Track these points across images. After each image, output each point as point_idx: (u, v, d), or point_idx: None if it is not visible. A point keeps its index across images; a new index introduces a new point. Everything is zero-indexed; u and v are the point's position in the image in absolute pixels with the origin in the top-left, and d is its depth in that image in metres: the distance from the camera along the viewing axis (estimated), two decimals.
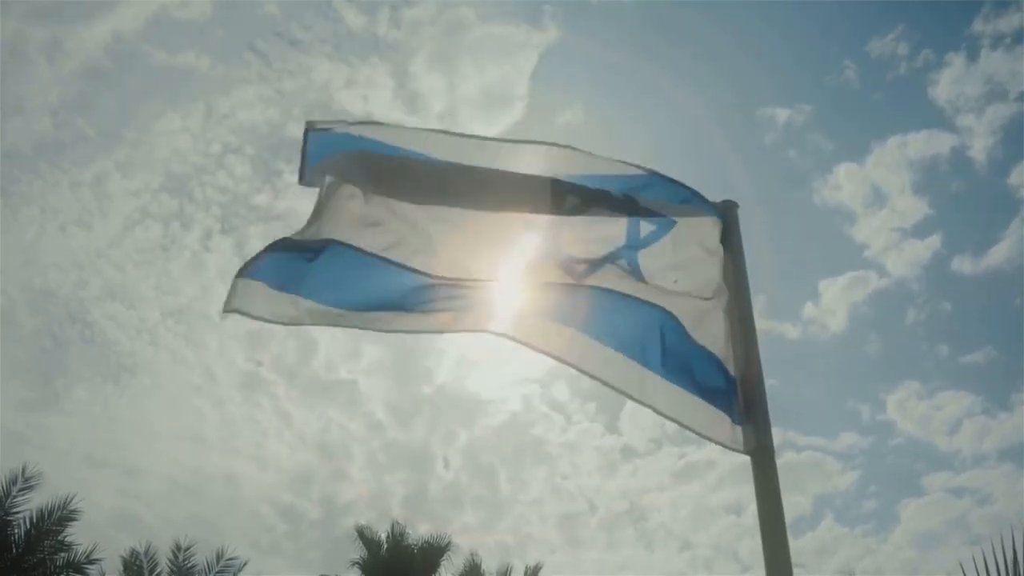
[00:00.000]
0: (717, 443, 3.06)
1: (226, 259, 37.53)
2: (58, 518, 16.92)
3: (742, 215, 3.43)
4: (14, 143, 34.34)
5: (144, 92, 40.16)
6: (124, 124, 39.81)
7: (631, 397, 3.14)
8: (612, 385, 3.15)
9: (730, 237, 3.34)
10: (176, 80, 37.57)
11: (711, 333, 3.22)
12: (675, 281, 3.29)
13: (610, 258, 3.32)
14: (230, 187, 37.98)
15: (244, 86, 37.72)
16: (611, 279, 3.28)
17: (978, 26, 34.38)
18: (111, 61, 36.12)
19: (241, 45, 40.77)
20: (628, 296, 3.24)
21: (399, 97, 37.41)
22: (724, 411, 3.10)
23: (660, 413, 3.11)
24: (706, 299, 3.27)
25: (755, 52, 37.49)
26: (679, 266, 3.33)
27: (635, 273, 3.31)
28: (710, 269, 3.30)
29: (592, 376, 3.15)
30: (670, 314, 3.22)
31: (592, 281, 3.28)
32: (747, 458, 3.01)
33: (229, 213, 39.49)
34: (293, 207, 38.53)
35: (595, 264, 3.30)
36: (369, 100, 37.04)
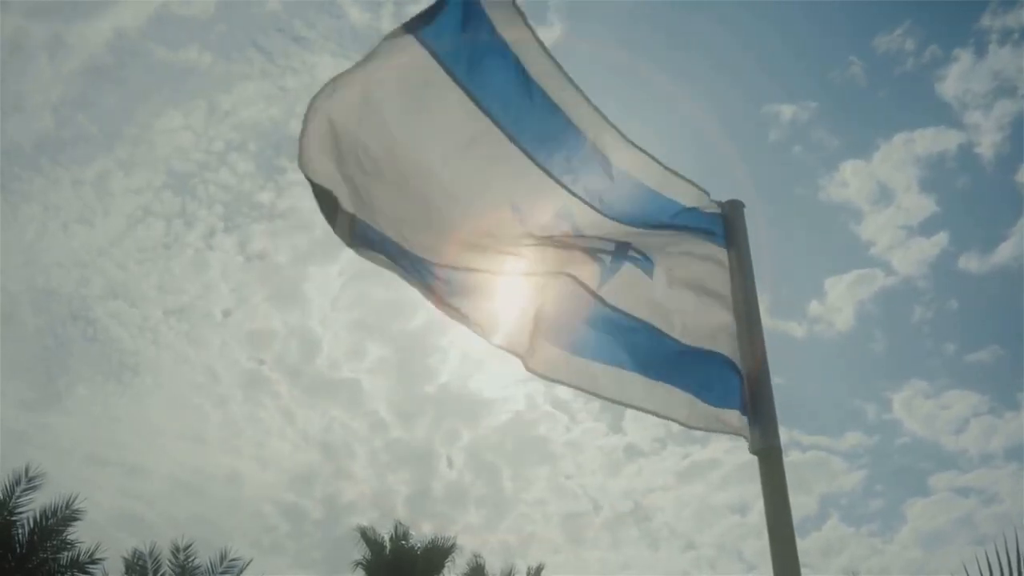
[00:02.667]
0: (728, 433, 3.08)
1: (229, 257, 37.63)
2: (61, 518, 16.95)
3: (747, 212, 3.42)
4: (15, 141, 34.51)
5: (146, 89, 40.37)
6: (126, 121, 40.05)
7: (632, 406, 3.18)
8: (615, 399, 3.18)
9: (736, 237, 3.32)
10: (178, 77, 37.74)
11: (711, 333, 3.23)
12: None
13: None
14: (233, 185, 38.12)
15: (247, 83, 37.89)
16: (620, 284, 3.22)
17: (986, 21, 34.44)
18: (113, 58, 36.29)
19: (244, 42, 40.94)
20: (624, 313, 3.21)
21: None
22: (735, 408, 3.10)
23: (665, 417, 3.15)
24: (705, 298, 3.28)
25: (760, 49, 37.65)
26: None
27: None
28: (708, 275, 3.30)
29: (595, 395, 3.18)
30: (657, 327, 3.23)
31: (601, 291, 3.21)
32: (752, 457, 3.00)
33: (232, 211, 39.69)
34: (296, 205, 38.67)
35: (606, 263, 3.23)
36: None
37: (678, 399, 3.19)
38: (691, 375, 3.20)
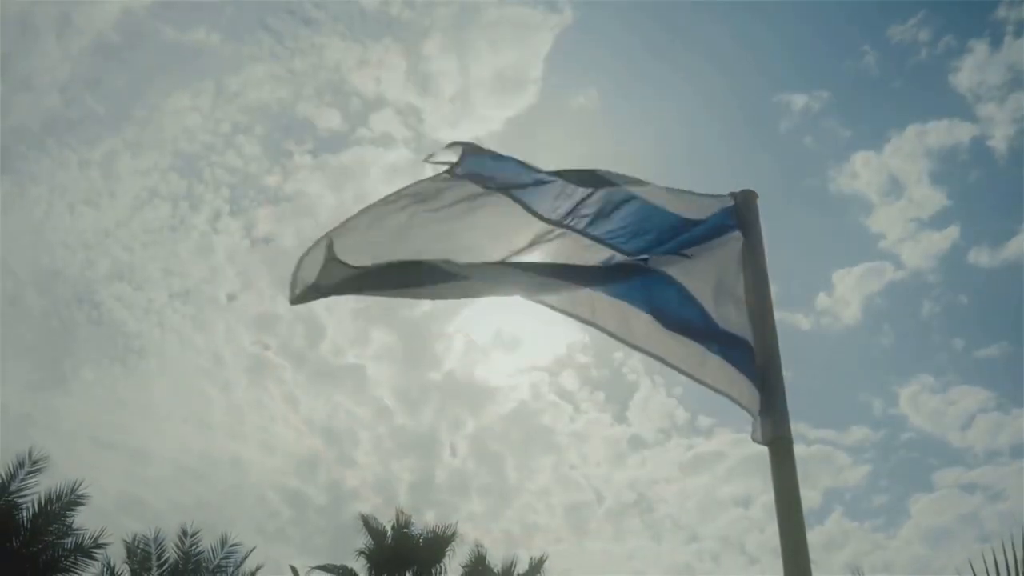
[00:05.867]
0: (736, 402, 3.08)
1: (234, 241, 37.62)
2: (65, 502, 16.97)
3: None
4: (23, 120, 34.50)
5: (154, 69, 40.21)
6: (134, 102, 39.96)
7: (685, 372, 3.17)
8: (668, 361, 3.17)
9: (749, 227, 3.30)
10: (186, 58, 37.62)
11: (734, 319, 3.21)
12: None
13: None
14: (239, 167, 37.98)
15: (255, 64, 37.76)
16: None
17: (1002, 12, 34.09)
18: (121, 38, 36.18)
19: (253, 23, 40.74)
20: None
21: (411, 78, 37.46)
22: (751, 378, 3.08)
23: (714, 388, 3.14)
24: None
25: (772, 37, 37.34)
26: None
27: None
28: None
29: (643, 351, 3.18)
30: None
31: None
32: (755, 450, 2.99)
33: (238, 194, 39.65)
34: (303, 189, 38.63)
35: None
36: (381, 81, 37.03)
37: (694, 352, 3.18)
38: (717, 339, 3.19)
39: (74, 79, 36.03)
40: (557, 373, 42.37)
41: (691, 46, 39.61)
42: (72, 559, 17.09)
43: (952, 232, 35.97)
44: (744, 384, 3.09)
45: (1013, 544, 6.31)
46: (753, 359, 3.12)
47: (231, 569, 19.21)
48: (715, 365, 3.15)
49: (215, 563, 19.01)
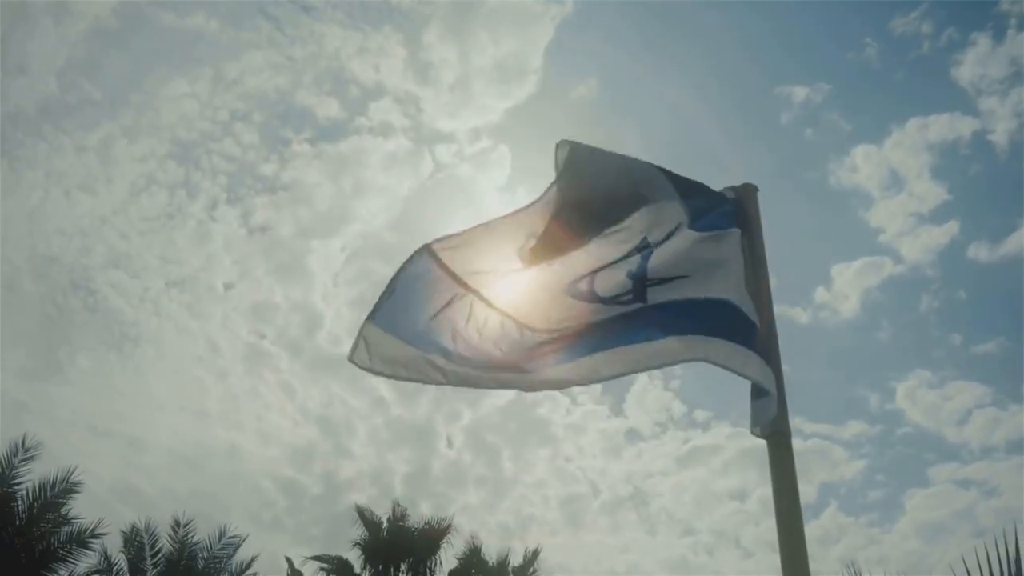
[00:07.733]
0: (751, 379, 3.07)
1: (232, 229, 37.50)
2: (60, 490, 16.92)
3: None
4: (19, 105, 34.22)
5: (152, 55, 39.98)
6: (131, 88, 39.63)
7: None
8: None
9: (749, 221, 3.28)
10: (184, 44, 37.37)
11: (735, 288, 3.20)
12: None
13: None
14: (237, 155, 37.80)
15: (254, 51, 37.54)
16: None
17: (1005, 6, 33.90)
18: (119, 23, 35.92)
19: (252, 9, 40.48)
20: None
21: (411, 67, 37.32)
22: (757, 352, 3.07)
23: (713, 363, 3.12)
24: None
25: (774, 29, 37.24)
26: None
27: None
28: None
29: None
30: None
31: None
32: (752, 444, 2.98)
33: (236, 182, 39.41)
34: (300, 177, 38.52)
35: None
36: (380, 69, 36.91)
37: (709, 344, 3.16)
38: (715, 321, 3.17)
39: (71, 64, 35.82)
40: None
41: (692, 37, 39.52)
42: (68, 549, 17.05)
43: (952, 227, 35.94)
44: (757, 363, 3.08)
45: (1007, 540, 6.32)
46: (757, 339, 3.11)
47: (226, 559, 19.23)
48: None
49: (211, 553, 19.02)
